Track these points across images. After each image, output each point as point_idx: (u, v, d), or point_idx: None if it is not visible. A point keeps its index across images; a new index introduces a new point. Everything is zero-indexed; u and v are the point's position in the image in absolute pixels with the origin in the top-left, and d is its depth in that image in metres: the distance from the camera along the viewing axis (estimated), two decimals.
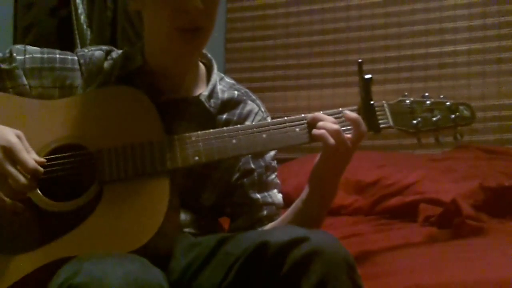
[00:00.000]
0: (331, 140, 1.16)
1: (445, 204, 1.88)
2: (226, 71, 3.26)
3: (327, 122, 1.18)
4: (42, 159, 1.13)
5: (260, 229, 1.32)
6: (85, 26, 3.03)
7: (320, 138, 1.18)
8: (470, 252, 1.52)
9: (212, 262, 1.13)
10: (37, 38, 2.95)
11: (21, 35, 2.95)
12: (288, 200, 1.40)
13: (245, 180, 1.33)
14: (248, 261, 1.06)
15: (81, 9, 3.01)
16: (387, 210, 2.07)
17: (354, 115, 1.20)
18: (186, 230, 1.27)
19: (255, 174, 1.33)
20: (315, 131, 1.19)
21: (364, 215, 2.10)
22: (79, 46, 3.00)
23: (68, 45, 2.98)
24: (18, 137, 1.12)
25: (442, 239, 1.69)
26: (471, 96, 2.80)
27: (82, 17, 3.02)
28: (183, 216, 1.27)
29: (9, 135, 1.11)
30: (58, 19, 3.05)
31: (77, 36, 3.01)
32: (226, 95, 1.36)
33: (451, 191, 1.97)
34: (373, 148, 2.93)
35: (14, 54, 1.28)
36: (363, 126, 1.19)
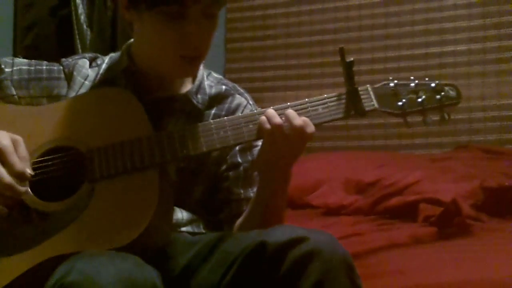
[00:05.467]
0: (267, 126, 1.17)
1: (445, 204, 1.88)
2: (226, 71, 3.24)
3: (274, 115, 1.18)
4: (30, 171, 1.13)
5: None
6: (85, 26, 3.03)
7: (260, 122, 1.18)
8: (470, 252, 1.52)
9: (211, 260, 1.13)
10: (37, 38, 2.94)
11: (21, 35, 2.95)
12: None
13: (230, 173, 1.33)
14: (247, 261, 1.06)
15: (81, 9, 3.01)
16: (387, 210, 2.07)
17: (290, 110, 1.18)
18: (183, 229, 1.27)
19: (241, 168, 1.33)
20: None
21: (364, 215, 2.10)
22: (79, 46, 3.00)
23: (68, 45, 3.00)
24: (15, 141, 1.13)
25: (442, 239, 1.69)
26: (471, 96, 2.80)
27: (82, 17, 3.02)
28: (180, 215, 1.27)
29: (2, 138, 1.12)
30: (58, 19, 3.05)
31: (77, 36, 3.01)
32: (213, 90, 1.36)
33: (451, 191, 1.97)
34: (373, 148, 2.93)
35: (2, 66, 1.30)
36: (294, 117, 1.17)
